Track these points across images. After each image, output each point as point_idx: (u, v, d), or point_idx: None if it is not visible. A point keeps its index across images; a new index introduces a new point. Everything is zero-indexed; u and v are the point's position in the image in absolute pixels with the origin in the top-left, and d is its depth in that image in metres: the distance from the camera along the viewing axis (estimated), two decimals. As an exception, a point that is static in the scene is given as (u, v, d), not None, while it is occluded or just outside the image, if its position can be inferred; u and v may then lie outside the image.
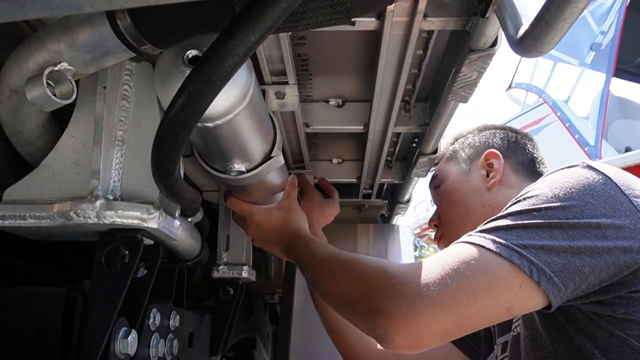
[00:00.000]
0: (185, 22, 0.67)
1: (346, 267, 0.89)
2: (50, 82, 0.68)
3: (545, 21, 0.64)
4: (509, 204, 0.85)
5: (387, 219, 2.32)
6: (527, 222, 0.78)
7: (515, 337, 1.00)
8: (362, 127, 1.38)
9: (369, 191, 1.97)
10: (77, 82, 0.73)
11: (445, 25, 0.94)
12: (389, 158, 1.76)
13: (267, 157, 1.06)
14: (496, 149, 1.17)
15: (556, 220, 0.76)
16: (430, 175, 1.36)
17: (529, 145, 1.21)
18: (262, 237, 1.24)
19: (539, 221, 0.77)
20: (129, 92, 0.89)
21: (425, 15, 0.90)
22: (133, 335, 0.87)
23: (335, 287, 0.90)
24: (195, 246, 1.32)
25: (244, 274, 1.48)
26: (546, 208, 0.78)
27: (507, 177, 1.14)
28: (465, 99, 1.09)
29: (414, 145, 1.62)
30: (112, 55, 0.71)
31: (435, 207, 1.30)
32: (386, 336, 0.74)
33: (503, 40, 0.86)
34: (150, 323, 0.99)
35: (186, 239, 1.24)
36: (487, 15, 0.81)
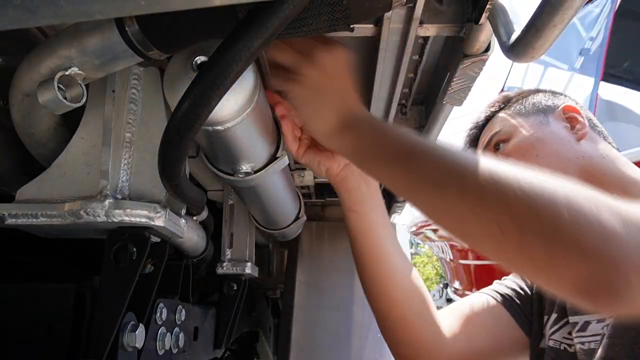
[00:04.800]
0: (191, 29, 0.67)
1: (560, 193, 0.51)
2: (61, 86, 0.68)
3: (536, 28, 0.65)
4: None
5: (384, 218, 2.32)
6: None
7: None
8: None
9: (367, 191, 1.96)
10: (87, 86, 0.73)
11: (441, 32, 0.94)
12: (386, 159, 1.76)
13: (273, 157, 1.06)
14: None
15: None
16: (469, 135, 1.08)
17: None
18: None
19: None
20: (137, 95, 0.89)
21: (421, 22, 0.90)
22: (141, 329, 0.87)
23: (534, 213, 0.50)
24: (200, 243, 1.32)
25: (247, 270, 1.48)
26: None
27: (589, 131, 0.95)
28: (459, 103, 1.09)
29: (410, 146, 1.62)
30: (120, 61, 0.71)
31: None
32: (621, 284, 0.46)
33: (496, 46, 0.86)
34: (157, 317, 0.99)
35: (192, 237, 1.24)
36: (480, 22, 0.81)
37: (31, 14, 0.40)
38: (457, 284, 7.48)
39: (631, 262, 0.46)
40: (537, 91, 1.07)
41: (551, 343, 0.95)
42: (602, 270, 0.46)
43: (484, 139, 1.05)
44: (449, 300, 11.00)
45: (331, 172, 0.94)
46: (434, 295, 12.71)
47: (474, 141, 1.10)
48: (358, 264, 0.93)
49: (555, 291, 0.52)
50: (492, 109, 1.08)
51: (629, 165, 0.91)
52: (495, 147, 1.01)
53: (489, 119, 1.08)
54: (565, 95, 1.07)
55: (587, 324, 0.86)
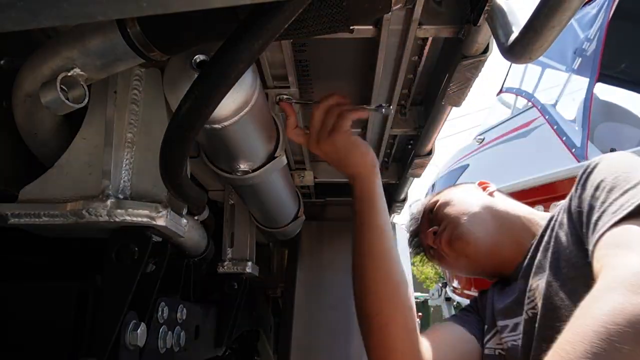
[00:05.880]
0: (192, 31, 0.67)
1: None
2: (64, 87, 0.68)
3: (534, 29, 0.65)
4: (603, 190, 0.78)
5: (383, 217, 2.31)
6: None
7: (530, 319, 0.90)
8: (359, 129, 1.38)
9: (367, 190, 1.96)
10: (89, 87, 0.73)
11: (439, 33, 0.94)
12: (386, 159, 1.76)
13: (271, 157, 1.06)
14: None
15: None
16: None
17: None
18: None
19: None
20: (139, 96, 0.88)
21: (420, 24, 0.90)
22: (142, 327, 0.87)
23: None
24: (201, 243, 1.32)
25: (248, 269, 1.48)
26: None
27: (496, 192, 1.19)
28: (458, 103, 1.09)
29: (410, 146, 1.62)
30: (122, 62, 0.71)
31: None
32: None
33: (494, 47, 0.86)
34: (158, 316, 0.99)
35: (193, 236, 1.24)
36: (479, 24, 0.81)
37: (33, 16, 0.40)
38: (455, 283, 7.48)
39: None
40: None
41: (486, 351, 1.02)
42: None
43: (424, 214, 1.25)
44: (448, 299, 10.99)
45: (339, 131, 0.96)
46: (432, 295, 12.68)
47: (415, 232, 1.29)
48: (360, 236, 1.01)
49: None
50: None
51: (522, 206, 1.14)
52: (430, 212, 1.21)
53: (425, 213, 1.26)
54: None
55: (517, 325, 0.95)
